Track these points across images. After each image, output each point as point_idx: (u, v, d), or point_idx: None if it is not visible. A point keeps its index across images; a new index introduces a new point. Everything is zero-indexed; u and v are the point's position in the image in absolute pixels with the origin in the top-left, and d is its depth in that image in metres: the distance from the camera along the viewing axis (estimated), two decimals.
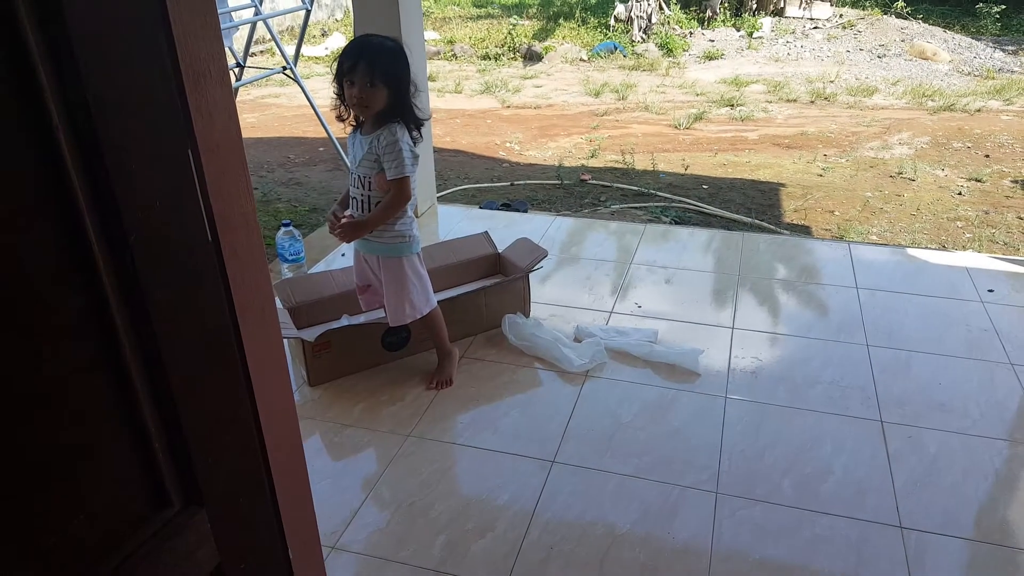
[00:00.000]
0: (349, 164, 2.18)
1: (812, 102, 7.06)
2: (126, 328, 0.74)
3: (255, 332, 0.98)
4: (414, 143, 2.09)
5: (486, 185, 4.88)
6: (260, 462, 0.99)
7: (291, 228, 3.13)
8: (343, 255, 3.30)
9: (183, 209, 0.80)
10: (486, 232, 2.95)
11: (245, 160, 0.94)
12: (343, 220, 2.14)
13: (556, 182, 4.89)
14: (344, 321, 2.47)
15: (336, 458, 2.07)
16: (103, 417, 0.74)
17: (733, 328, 2.70)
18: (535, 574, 1.68)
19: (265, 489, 1.01)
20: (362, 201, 2.13)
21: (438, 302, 2.35)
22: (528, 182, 4.93)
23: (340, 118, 2.10)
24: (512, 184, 4.89)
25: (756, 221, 4.22)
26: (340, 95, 2.04)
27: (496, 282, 2.67)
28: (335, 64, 2.05)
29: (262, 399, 0.98)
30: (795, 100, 7.12)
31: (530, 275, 2.72)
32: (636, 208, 4.45)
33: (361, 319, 2.51)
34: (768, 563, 1.72)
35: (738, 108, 6.78)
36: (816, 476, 1.98)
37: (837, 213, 4.45)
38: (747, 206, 4.53)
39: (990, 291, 2.94)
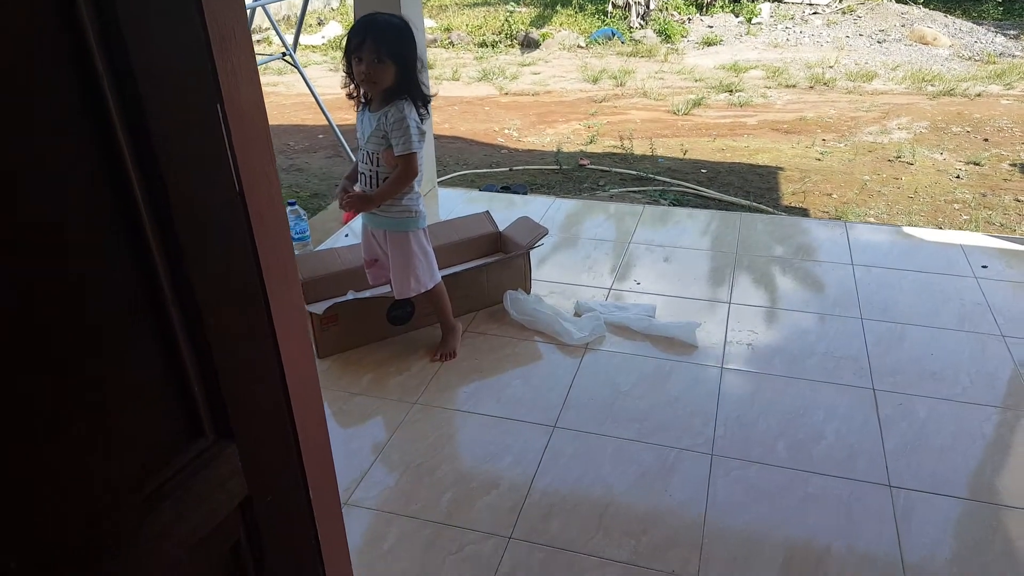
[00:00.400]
0: (358, 140, 2.23)
1: (811, 87, 7.10)
2: (165, 274, 0.81)
3: (278, 285, 1.05)
4: (421, 120, 2.14)
5: (485, 171, 4.93)
6: (284, 405, 1.06)
7: (296, 207, 3.19)
8: (346, 236, 3.36)
9: (214, 164, 0.86)
10: (487, 211, 3.01)
11: (267, 120, 1.00)
12: (352, 194, 2.20)
13: (555, 167, 4.94)
14: (351, 296, 2.53)
15: (345, 425, 2.14)
16: (145, 355, 0.81)
17: (730, 303, 2.77)
18: (537, 529, 1.76)
19: (288, 429, 1.08)
20: (370, 176, 2.19)
21: (441, 278, 2.41)
22: (527, 168, 4.98)
23: (350, 95, 2.15)
24: (511, 169, 4.94)
25: (754, 204, 4.28)
26: (349, 72, 2.09)
27: (497, 259, 2.73)
28: (343, 42, 2.10)
29: (284, 347, 1.04)
30: (794, 86, 7.15)
31: (531, 253, 2.78)
32: (635, 192, 4.50)
33: (367, 294, 2.57)
34: (762, 519, 1.79)
35: (737, 94, 6.82)
36: (809, 440, 2.05)
37: (835, 196, 4.51)
38: (745, 189, 4.58)
39: (984, 267, 3.00)
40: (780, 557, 1.68)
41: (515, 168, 4.96)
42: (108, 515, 0.80)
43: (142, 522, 0.83)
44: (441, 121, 6.10)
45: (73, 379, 0.70)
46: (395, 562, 1.68)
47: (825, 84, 7.16)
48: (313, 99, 4.80)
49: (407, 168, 2.13)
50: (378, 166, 2.17)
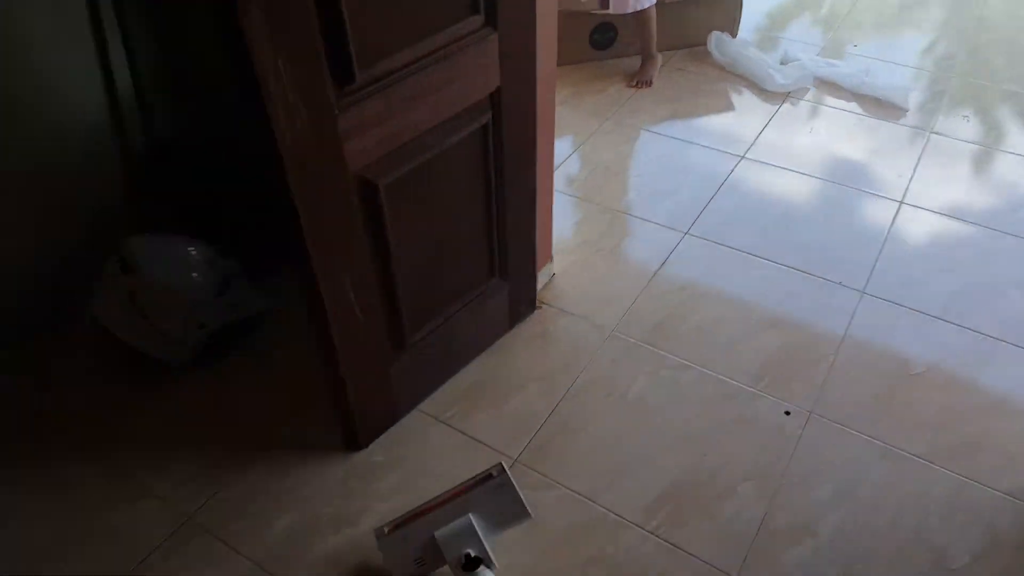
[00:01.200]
0: None
1: None
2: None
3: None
4: None
5: None
6: (533, 25, 1.24)
7: None
8: None
9: None
10: None
11: None
12: None
13: None
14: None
15: None
16: None
17: (952, 77, 2.53)
18: (714, 231, 1.90)
19: (532, 45, 1.26)
20: None
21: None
22: None
23: None
24: None
25: None
26: None
27: None
28: None
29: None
30: None
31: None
32: None
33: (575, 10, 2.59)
34: (892, 352, 1.60)
35: None
36: (985, 300, 1.71)
37: None
38: None
39: None
40: None
41: None
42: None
43: (430, 68, 1.06)
44: None
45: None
46: (581, 230, 1.92)
47: None
48: None
49: None
50: None
